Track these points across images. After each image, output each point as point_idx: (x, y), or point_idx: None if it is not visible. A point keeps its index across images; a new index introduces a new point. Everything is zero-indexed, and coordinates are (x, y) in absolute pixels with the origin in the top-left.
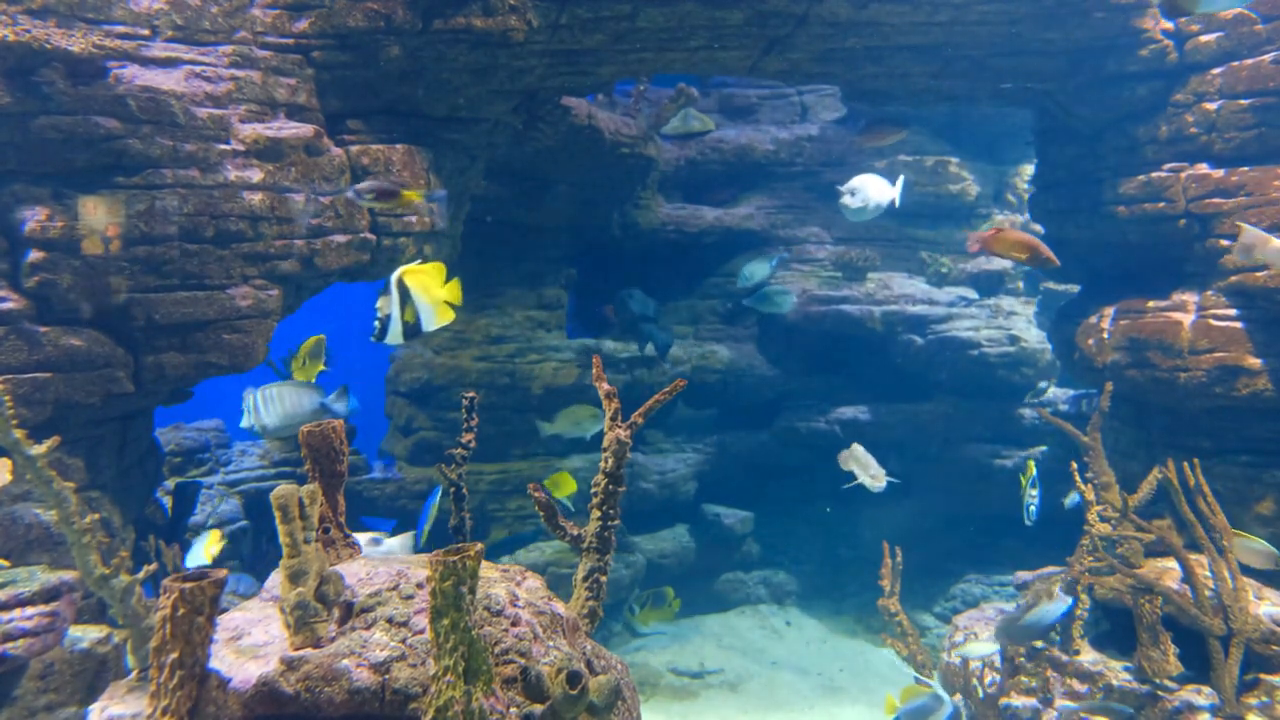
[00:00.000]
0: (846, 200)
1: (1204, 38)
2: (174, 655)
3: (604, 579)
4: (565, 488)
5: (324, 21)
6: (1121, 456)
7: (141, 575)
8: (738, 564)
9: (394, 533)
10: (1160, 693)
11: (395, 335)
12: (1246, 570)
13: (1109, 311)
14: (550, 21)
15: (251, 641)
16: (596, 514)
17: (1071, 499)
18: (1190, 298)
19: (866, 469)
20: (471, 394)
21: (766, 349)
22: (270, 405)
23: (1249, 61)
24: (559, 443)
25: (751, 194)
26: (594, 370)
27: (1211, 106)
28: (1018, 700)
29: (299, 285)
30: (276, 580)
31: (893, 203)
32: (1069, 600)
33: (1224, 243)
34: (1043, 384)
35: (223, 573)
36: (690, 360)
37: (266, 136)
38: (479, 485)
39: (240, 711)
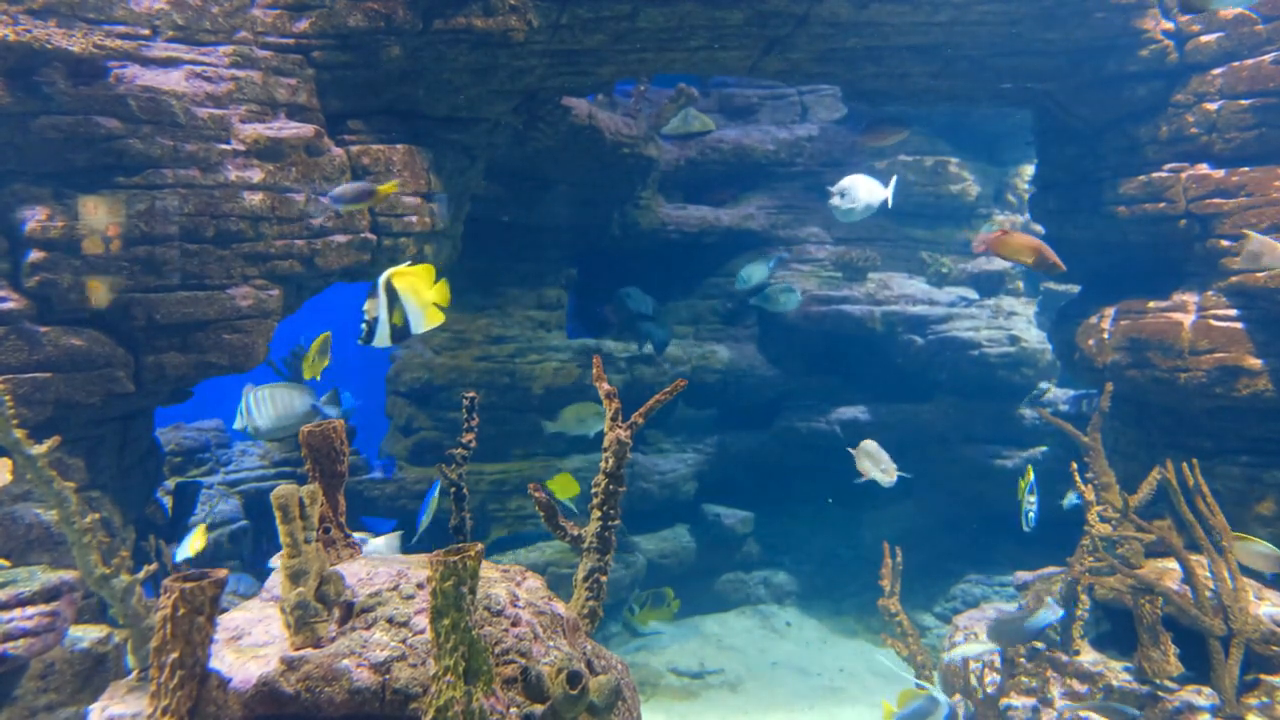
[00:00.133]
0: (836, 201)
1: (1204, 38)
2: (174, 655)
3: (604, 579)
4: (568, 490)
5: (324, 21)
6: (1122, 457)
7: (142, 575)
8: (738, 564)
9: (394, 532)
10: (1160, 693)
11: (383, 338)
12: (1253, 574)
13: (1109, 312)
14: (550, 21)
15: (252, 641)
16: (597, 514)
17: (1070, 499)
18: (1190, 298)
19: (878, 463)
20: (472, 394)
21: (767, 349)
22: (262, 407)
23: (1249, 61)
24: (559, 442)
25: (752, 194)
26: (594, 370)
27: (1212, 107)
28: (1018, 700)
29: (299, 285)
30: (277, 580)
31: (885, 203)
32: (1060, 611)
33: (1224, 243)
34: (1043, 384)
35: (223, 573)
36: (690, 360)
37: (267, 136)
38: (479, 485)
39: (240, 711)
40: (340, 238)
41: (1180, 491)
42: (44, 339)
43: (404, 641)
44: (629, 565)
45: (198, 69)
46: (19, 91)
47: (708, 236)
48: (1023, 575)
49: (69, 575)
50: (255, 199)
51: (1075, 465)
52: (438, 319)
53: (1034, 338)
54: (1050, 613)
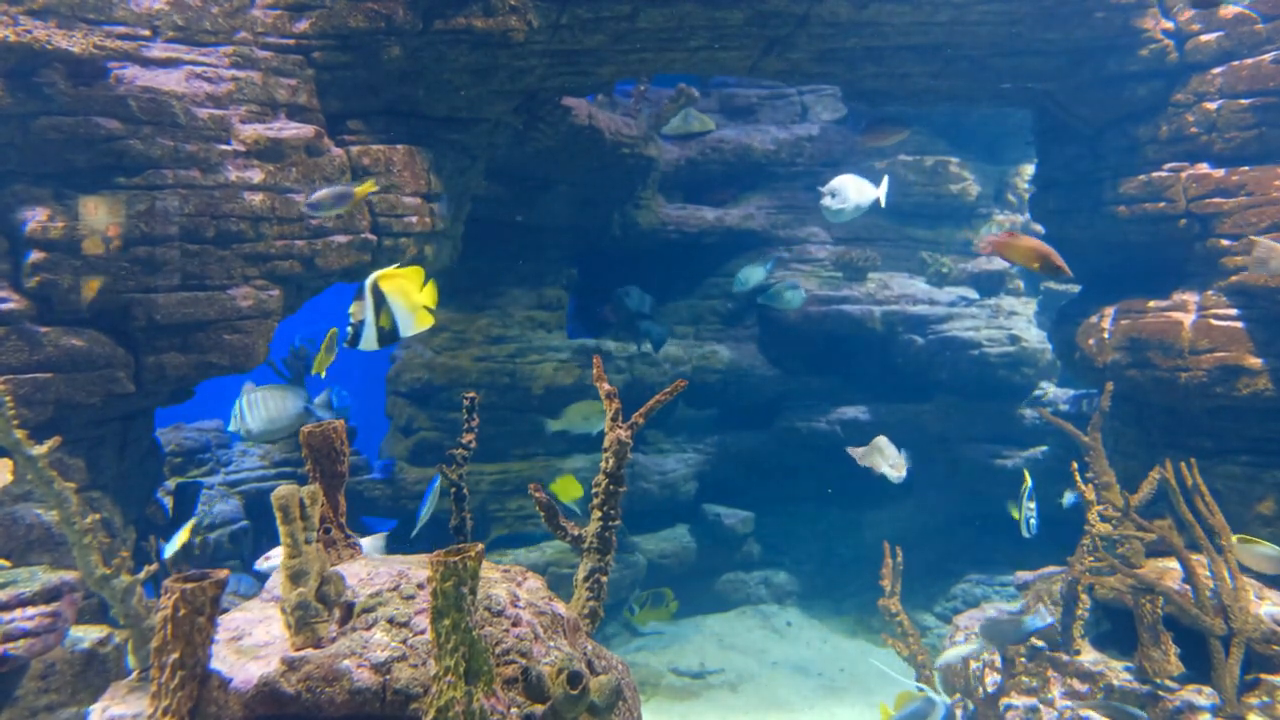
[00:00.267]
0: (827, 202)
1: (1204, 37)
2: (175, 655)
3: (605, 579)
4: (570, 492)
5: (325, 22)
6: (1122, 456)
7: (142, 575)
8: (738, 564)
9: (380, 534)
10: (1161, 693)
11: (369, 341)
12: (1260, 576)
13: (1109, 311)
14: (550, 22)
15: (252, 642)
16: (597, 514)
17: (1069, 498)
18: (1191, 297)
19: (887, 458)
20: (472, 394)
21: (767, 349)
22: (254, 410)
23: (1249, 61)
24: (560, 442)
25: (752, 194)
26: (595, 371)
27: (1212, 106)
28: (1018, 700)
29: (300, 285)
30: (277, 580)
31: (877, 202)
32: (1049, 618)
33: (1225, 242)
34: (1043, 384)
35: (224, 573)
36: (691, 360)
37: (267, 137)
38: (480, 485)
39: (241, 712)
40: (340, 238)
41: (1179, 491)
42: (44, 339)
43: (405, 642)
44: (629, 565)
45: (198, 69)
46: (19, 92)
47: (708, 236)
48: (1023, 575)
49: (70, 576)
50: (255, 199)
51: (1075, 465)
52: (427, 322)
53: (1034, 337)
54: (1038, 618)
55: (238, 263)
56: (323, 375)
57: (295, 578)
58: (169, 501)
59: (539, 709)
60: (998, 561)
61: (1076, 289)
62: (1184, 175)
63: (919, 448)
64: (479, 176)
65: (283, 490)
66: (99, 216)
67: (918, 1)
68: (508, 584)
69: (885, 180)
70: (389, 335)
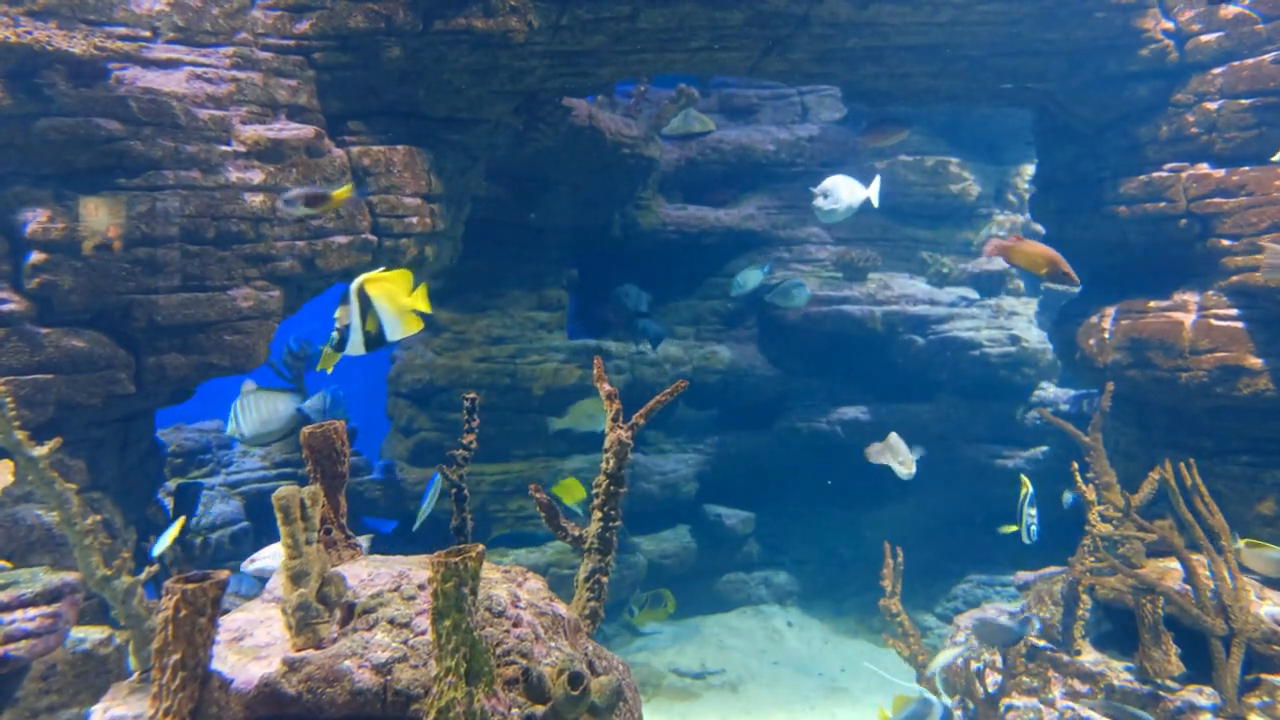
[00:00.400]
0: (819, 202)
1: (1205, 37)
2: (176, 656)
3: (605, 580)
4: (574, 495)
5: (325, 23)
6: (1123, 456)
7: (143, 576)
8: (739, 564)
9: (365, 534)
10: (1162, 693)
11: (355, 346)
12: (1265, 580)
13: (1110, 311)
14: (551, 22)
15: (254, 642)
16: (598, 515)
17: (1068, 498)
18: (1191, 297)
19: (897, 455)
20: (473, 395)
21: (767, 349)
22: (246, 414)
23: (1250, 61)
24: (561, 443)
25: (752, 194)
26: (595, 371)
27: (1212, 106)
28: (1019, 700)
29: (300, 286)
30: (278, 581)
31: (870, 202)
32: (1037, 625)
33: (1225, 242)
34: (1044, 384)
35: (224, 574)
36: (691, 361)
37: (267, 138)
38: (480, 486)
39: (242, 712)
40: (341, 239)
41: (1179, 492)
42: (45, 340)
43: (405, 643)
44: (630, 566)
45: (198, 70)
46: (20, 93)
47: (708, 237)
48: (1024, 575)
49: (70, 577)
50: (256, 200)
51: (1076, 465)
52: (415, 326)
53: (1034, 337)
54: (1027, 626)
55: (238, 263)
56: (329, 371)
57: (296, 578)
58: (170, 502)
59: (540, 710)
60: (998, 561)
61: (1077, 289)
62: (1184, 175)
63: (920, 447)
64: (479, 177)
65: (284, 491)
66: (99, 217)
67: (918, 2)
68: (508, 585)
69: (876, 180)
70: (375, 340)
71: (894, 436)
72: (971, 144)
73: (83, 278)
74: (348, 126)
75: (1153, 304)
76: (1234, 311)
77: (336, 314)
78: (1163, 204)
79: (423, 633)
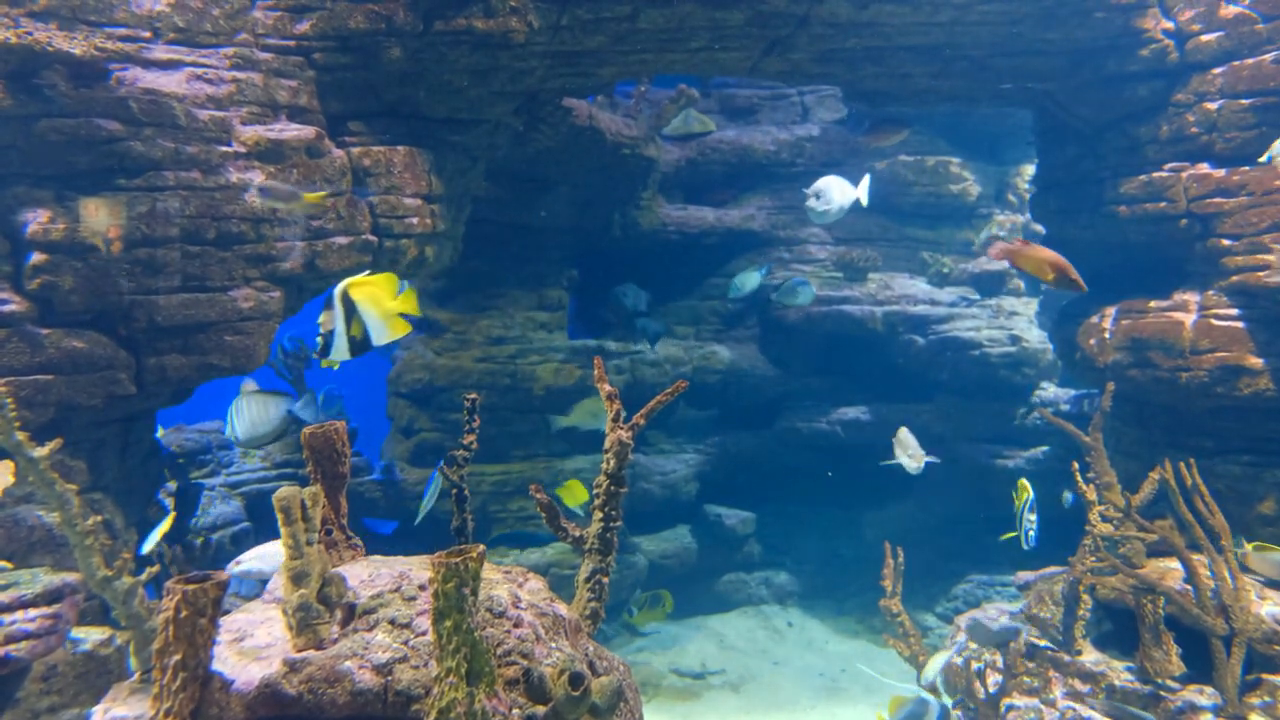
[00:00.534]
0: (812, 203)
1: (1205, 37)
2: (177, 657)
3: (606, 580)
4: (577, 497)
5: (325, 23)
6: (1123, 456)
7: (144, 577)
8: (739, 564)
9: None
10: (1163, 693)
11: (340, 351)
12: (1268, 582)
13: (1110, 311)
14: (551, 23)
15: (254, 643)
16: (598, 515)
17: (1068, 498)
18: (1192, 297)
19: (906, 449)
20: (473, 395)
21: (768, 349)
22: (239, 417)
23: (1250, 61)
24: (561, 443)
25: (752, 194)
26: (595, 372)
27: (1212, 106)
28: (1019, 700)
29: (300, 287)
30: (279, 582)
31: (860, 202)
32: (1024, 635)
33: (1225, 242)
34: (1045, 384)
35: (225, 574)
36: (691, 361)
37: (268, 138)
38: (481, 486)
39: (243, 713)
40: (341, 239)
41: (1179, 491)
42: (46, 341)
43: (406, 643)
44: (630, 566)
45: (199, 71)
46: (20, 94)
47: (708, 237)
48: (1024, 575)
49: (71, 577)
50: (256, 201)
51: (1076, 465)
52: (402, 329)
53: (1035, 337)
54: (1021, 629)
55: (239, 264)
56: (335, 368)
57: (297, 579)
58: (170, 503)
59: (541, 710)
60: (999, 561)
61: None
62: (1184, 175)
63: (920, 447)
64: (480, 177)
65: (284, 491)
66: (100, 218)
67: (918, 2)
68: (509, 585)
69: (866, 179)
70: (361, 345)
71: (904, 431)
72: (971, 144)
73: (83, 278)
74: (348, 127)
75: (1153, 304)
76: (1234, 311)
77: (320, 319)
78: (1163, 204)
79: (424, 633)
